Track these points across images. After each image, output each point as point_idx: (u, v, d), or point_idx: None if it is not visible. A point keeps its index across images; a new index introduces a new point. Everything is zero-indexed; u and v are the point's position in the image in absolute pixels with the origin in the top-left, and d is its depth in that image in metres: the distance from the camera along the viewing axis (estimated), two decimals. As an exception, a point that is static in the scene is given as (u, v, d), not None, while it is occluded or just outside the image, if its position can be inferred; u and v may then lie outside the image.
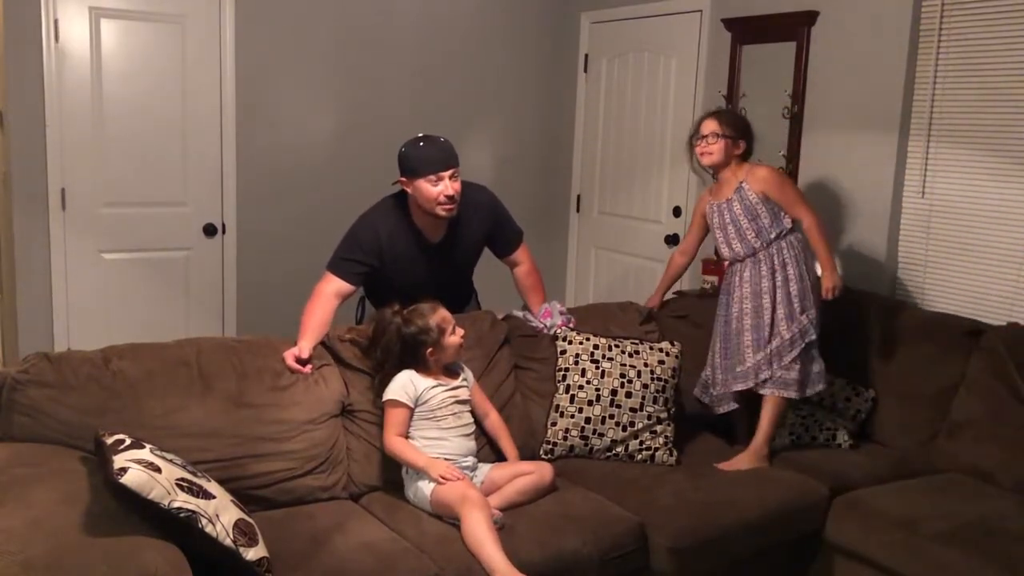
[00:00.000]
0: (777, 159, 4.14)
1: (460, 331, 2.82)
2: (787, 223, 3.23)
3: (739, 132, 3.27)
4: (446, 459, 2.70)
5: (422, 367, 2.78)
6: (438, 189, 2.94)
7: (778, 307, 3.18)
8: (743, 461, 3.13)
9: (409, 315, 2.79)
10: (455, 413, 2.78)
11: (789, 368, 3.15)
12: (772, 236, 3.20)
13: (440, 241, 3.13)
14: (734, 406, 3.28)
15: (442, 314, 2.79)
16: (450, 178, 2.95)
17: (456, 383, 2.83)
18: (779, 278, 3.19)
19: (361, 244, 3.04)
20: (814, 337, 3.18)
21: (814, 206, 3.27)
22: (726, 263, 3.40)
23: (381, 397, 2.78)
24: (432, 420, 2.74)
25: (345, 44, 4.77)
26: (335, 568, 2.32)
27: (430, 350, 2.76)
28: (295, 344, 2.86)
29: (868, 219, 3.86)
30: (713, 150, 3.24)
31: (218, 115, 4.50)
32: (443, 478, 2.61)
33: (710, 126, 3.26)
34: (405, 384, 2.75)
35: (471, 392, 2.89)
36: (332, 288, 2.99)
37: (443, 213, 3.00)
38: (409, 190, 3.01)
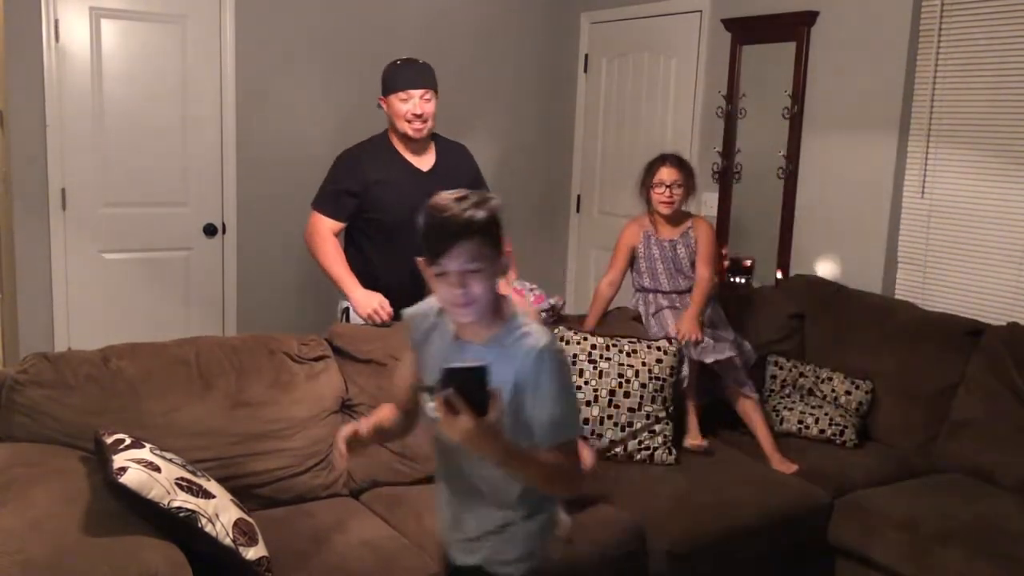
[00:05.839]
0: (777, 159, 4.14)
1: None
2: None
3: (693, 179, 3.39)
4: None
5: None
6: (407, 107, 3.05)
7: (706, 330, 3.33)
8: (773, 464, 3.19)
9: None
10: None
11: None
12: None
13: (430, 169, 3.18)
14: (728, 354, 3.27)
15: None
16: (420, 98, 3.06)
17: None
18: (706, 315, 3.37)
19: (342, 169, 3.13)
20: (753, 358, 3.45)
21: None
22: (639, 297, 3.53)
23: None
24: None
25: (345, 44, 4.76)
26: (335, 567, 2.33)
27: None
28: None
29: (868, 219, 3.86)
30: (676, 199, 3.34)
31: (218, 115, 4.49)
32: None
33: (673, 175, 3.33)
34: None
35: None
36: (325, 227, 3.09)
37: (411, 132, 3.09)
38: (384, 108, 3.12)
